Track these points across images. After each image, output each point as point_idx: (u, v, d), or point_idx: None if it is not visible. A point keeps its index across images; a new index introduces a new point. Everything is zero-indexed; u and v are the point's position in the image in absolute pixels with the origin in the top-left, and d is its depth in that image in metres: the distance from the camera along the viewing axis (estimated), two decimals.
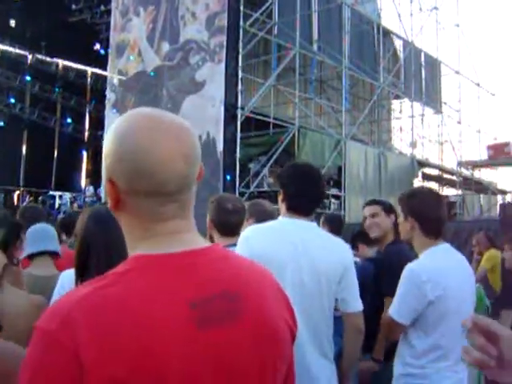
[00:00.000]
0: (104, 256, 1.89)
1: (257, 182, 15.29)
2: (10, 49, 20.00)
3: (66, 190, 19.64)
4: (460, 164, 19.67)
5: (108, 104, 18.53)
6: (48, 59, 20.97)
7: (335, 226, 4.60)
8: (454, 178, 20.66)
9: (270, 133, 16.56)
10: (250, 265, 1.19)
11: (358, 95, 21.18)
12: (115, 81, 18.35)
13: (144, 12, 17.60)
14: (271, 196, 11.02)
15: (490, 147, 19.06)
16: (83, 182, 21.94)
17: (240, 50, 15.11)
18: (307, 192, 2.61)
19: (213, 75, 15.23)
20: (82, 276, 1.94)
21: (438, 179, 22.29)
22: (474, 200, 20.93)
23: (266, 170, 15.34)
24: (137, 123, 1.06)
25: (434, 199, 2.82)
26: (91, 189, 18.38)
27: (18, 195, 20.29)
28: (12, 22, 20.76)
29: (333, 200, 16.10)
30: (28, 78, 20.72)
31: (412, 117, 21.37)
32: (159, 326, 0.95)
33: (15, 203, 18.95)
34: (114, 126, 1.08)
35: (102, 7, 20.33)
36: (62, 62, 21.56)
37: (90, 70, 22.26)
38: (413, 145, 21.46)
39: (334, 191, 16.17)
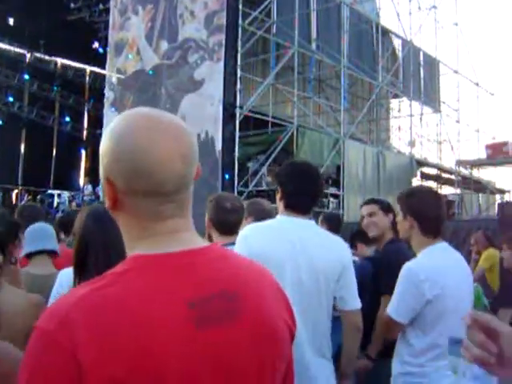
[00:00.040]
0: (102, 254, 1.89)
1: (255, 180, 15.28)
2: (9, 47, 19.97)
3: (65, 189, 19.58)
4: (458, 163, 19.66)
5: (106, 103, 18.50)
6: (46, 58, 20.93)
7: (334, 224, 4.61)
8: (453, 177, 20.64)
9: (268, 132, 16.55)
10: (249, 264, 1.19)
11: (356, 94, 21.16)
12: (114, 79, 18.33)
13: (143, 11, 17.58)
14: (270, 195, 11.04)
15: (488, 146, 19.04)
16: (81, 180, 21.85)
17: (239, 48, 15.09)
18: (305, 190, 2.61)
19: (211, 74, 15.21)
20: (80, 274, 1.95)
21: (436, 178, 22.29)
22: (473, 199, 20.96)
23: (264, 169, 15.33)
24: (135, 123, 1.06)
25: (432, 198, 2.83)
26: (90, 187, 18.32)
27: (17, 194, 20.25)
28: (11, 21, 20.70)
29: (331, 199, 16.10)
30: (26, 76, 20.67)
31: (411, 116, 21.37)
32: (158, 325, 0.95)
33: (14, 202, 18.91)
34: (112, 125, 1.08)
35: (101, 6, 20.27)
36: (60, 61, 21.53)
37: (88, 68, 22.23)
38: (411, 144, 21.47)
39: (332, 190, 16.16)
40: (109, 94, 18.46)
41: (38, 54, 20.70)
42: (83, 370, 0.90)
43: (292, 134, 15.44)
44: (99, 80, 20.72)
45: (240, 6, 15.15)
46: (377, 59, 19.17)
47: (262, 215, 3.20)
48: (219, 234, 3.02)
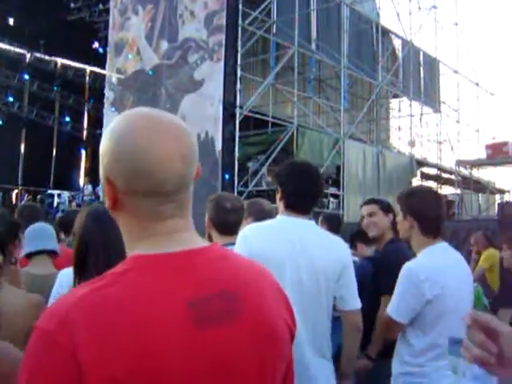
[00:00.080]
0: (102, 254, 1.89)
1: (255, 180, 15.28)
2: (9, 47, 19.95)
3: (65, 189, 19.57)
4: (458, 163, 19.65)
5: (106, 103, 18.51)
6: (46, 58, 20.89)
7: (334, 225, 4.61)
8: (453, 177, 20.64)
9: (268, 132, 16.56)
10: (249, 264, 1.19)
11: (356, 94, 21.16)
12: (114, 79, 18.33)
13: (143, 10, 17.58)
14: (270, 195, 11.03)
15: (488, 146, 19.04)
16: (81, 180, 21.84)
17: (239, 48, 15.09)
18: (305, 190, 2.61)
19: (211, 74, 15.21)
20: (80, 274, 1.95)
21: (436, 178, 22.29)
22: (473, 199, 20.95)
23: (264, 169, 15.33)
24: (135, 123, 1.06)
25: (433, 198, 2.83)
26: (89, 187, 18.31)
27: (17, 194, 20.24)
28: (11, 21, 20.69)
29: (331, 199, 16.10)
30: (26, 76, 20.64)
31: (411, 116, 21.39)
32: (158, 325, 0.95)
33: (14, 202, 18.91)
34: (112, 125, 1.08)
35: (101, 6, 20.28)
36: (60, 61, 21.49)
37: (88, 68, 22.19)
38: (411, 144, 21.48)
39: (332, 190, 16.16)
40: (109, 94, 18.47)
41: (37, 54, 20.67)
42: (83, 370, 0.90)
43: (292, 133, 15.44)
44: (99, 80, 20.70)
45: (240, 6, 15.15)
46: (377, 59, 19.18)
47: (262, 215, 3.20)
48: (219, 234, 3.02)
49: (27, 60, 20.75)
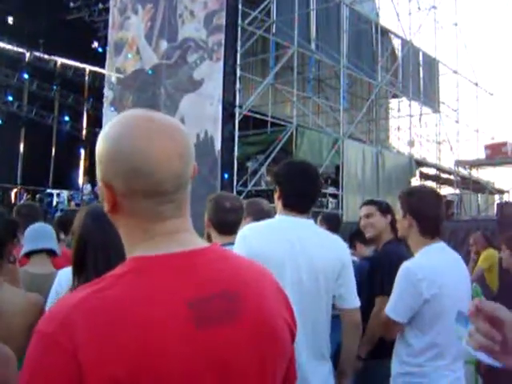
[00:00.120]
0: (101, 254, 1.89)
1: (254, 180, 15.28)
2: (8, 46, 19.94)
3: (64, 188, 19.55)
4: (458, 163, 19.65)
5: (106, 102, 18.50)
6: (46, 57, 20.87)
7: (333, 224, 4.62)
8: (452, 177, 20.64)
9: (267, 131, 16.56)
10: (249, 264, 1.20)
11: (355, 94, 21.17)
12: (113, 79, 18.32)
13: (142, 10, 17.58)
14: (269, 194, 11.00)
15: (487, 147, 19.06)
16: (81, 179, 21.82)
17: (238, 48, 15.09)
18: (304, 190, 2.61)
19: (211, 73, 15.21)
20: (79, 274, 1.94)
21: (435, 178, 22.30)
22: (472, 199, 20.96)
23: (263, 169, 15.33)
24: (131, 124, 1.06)
25: (433, 198, 2.83)
26: (89, 187, 18.27)
27: (16, 193, 20.24)
28: (10, 20, 20.68)
29: (330, 199, 16.11)
30: (26, 75, 20.62)
31: (410, 116, 21.40)
32: (158, 325, 0.95)
33: (13, 201, 18.91)
34: (107, 128, 1.08)
35: (100, 5, 20.25)
36: (59, 60, 21.48)
37: (88, 67, 22.18)
38: (411, 144, 21.50)
39: (331, 190, 16.17)
40: (108, 94, 18.46)
41: (37, 53, 20.65)
42: (83, 371, 0.90)
43: (291, 133, 15.44)
44: (98, 79, 20.68)
45: (240, 6, 15.15)
46: (376, 59, 19.19)
47: (261, 215, 3.20)
48: (218, 234, 3.01)
49: (26, 59, 20.73)
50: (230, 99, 14.73)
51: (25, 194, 19.51)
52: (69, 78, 21.47)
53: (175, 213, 1.07)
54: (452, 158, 21.11)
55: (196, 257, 1.06)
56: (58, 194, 18.68)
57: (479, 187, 20.21)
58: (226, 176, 14.49)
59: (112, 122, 1.09)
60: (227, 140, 14.62)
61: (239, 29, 15.08)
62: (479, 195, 21.54)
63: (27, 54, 20.69)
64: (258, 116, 16.10)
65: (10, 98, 20.38)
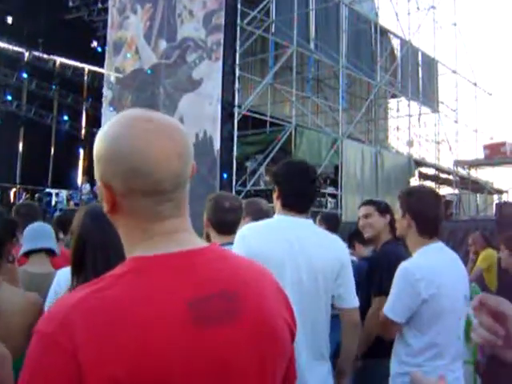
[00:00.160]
0: (100, 253, 1.89)
1: (253, 180, 15.28)
2: (7, 46, 19.93)
3: (63, 188, 19.54)
4: (456, 163, 19.66)
5: (105, 101, 18.49)
6: (45, 56, 20.88)
7: (332, 224, 4.62)
8: (451, 177, 20.64)
9: (266, 131, 16.56)
10: (249, 264, 1.20)
11: (354, 94, 21.16)
12: (112, 78, 18.30)
13: (141, 10, 17.56)
14: (268, 194, 11.01)
15: (486, 147, 19.05)
16: (79, 179, 21.83)
17: (237, 48, 15.06)
18: (302, 190, 2.61)
19: (210, 73, 15.19)
20: (78, 273, 1.94)
21: (434, 178, 22.30)
22: (471, 199, 20.96)
23: (262, 169, 15.32)
24: (130, 124, 1.06)
25: (432, 199, 2.83)
26: (88, 186, 18.26)
27: (15, 192, 20.22)
28: (9, 19, 20.66)
29: (329, 199, 16.10)
30: (25, 75, 20.63)
31: (409, 116, 21.42)
32: (157, 325, 0.95)
33: (11, 200, 18.90)
34: (105, 128, 1.08)
35: (100, 5, 20.23)
36: (59, 60, 21.49)
37: (87, 67, 22.19)
38: (409, 144, 21.51)
39: (330, 190, 16.17)
40: (107, 93, 18.44)
41: (36, 53, 20.66)
42: (83, 370, 0.90)
43: (290, 133, 15.44)
44: (97, 79, 20.68)
45: (239, 6, 15.13)
46: (375, 59, 19.19)
47: (260, 215, 3.20)
48: (217, 234, 3.01)
49: (26, 59, 20.74)
50: (229, 99, 14.72)
51: (24, 194, 19.49)
52: (68, 78, 21.49)
53: (174, 212, 1.07)
54: (451, 157, 21.13)
55: (195, 256, 1.06)
56: (57, 194, 18.68)
57: (478, 187, 20.22)
58: (225, 176, 14.48)
59: (111, 122, 1.09)
60: (226, 140, 14.61)
61: (238, 28, 15.06)
62: (478, 195, 21.54)
63: (26, 54, 20.69)
64: (256, 116, 16.10)
65: (9, 98, 20.39)
